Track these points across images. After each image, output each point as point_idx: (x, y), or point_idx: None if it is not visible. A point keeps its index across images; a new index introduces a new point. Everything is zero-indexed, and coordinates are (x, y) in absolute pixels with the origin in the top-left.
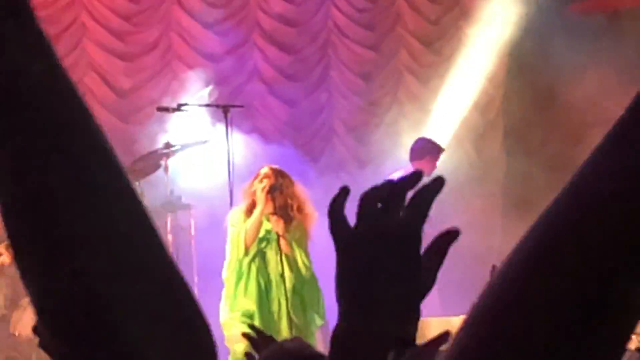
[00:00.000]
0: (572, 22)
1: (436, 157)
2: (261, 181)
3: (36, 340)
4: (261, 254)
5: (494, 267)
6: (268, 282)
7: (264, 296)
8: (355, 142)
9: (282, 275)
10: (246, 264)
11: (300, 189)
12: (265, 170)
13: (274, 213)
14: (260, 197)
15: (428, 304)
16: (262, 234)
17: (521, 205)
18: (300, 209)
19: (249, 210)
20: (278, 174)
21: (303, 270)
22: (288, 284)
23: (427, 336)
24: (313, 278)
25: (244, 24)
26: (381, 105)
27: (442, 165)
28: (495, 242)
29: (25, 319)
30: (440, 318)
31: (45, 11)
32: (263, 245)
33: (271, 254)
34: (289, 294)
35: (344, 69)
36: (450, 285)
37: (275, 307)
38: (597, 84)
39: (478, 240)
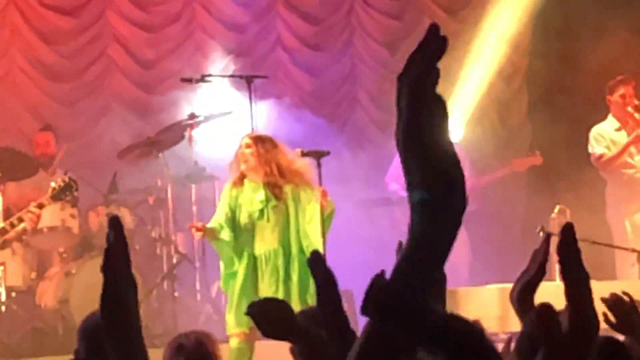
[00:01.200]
0: None
1: None
2: (243, 152)
3: (61, 310)
4: (251, 228)
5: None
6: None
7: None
8: (378, 110)
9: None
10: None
11: (283, 150)
12: (245, 140)
13: (268, 181)
14: (247, 167)
15: (457, 275)
16: (255, 206)
17: (546, 173)
18: (288, 170)
19: (239, 180)
20: (258, 140)
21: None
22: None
23: (458, 305)
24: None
25: None
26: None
27: (468, 135)
28: (520, 210)
29: (51, 291)
30: (468, 288)
31: None
32: (255, 217)
33: (265, 225)
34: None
35: (368, 39)
36: (479, 255)
37: (274, 277)
38: (619, 46)
39: (503, 208)
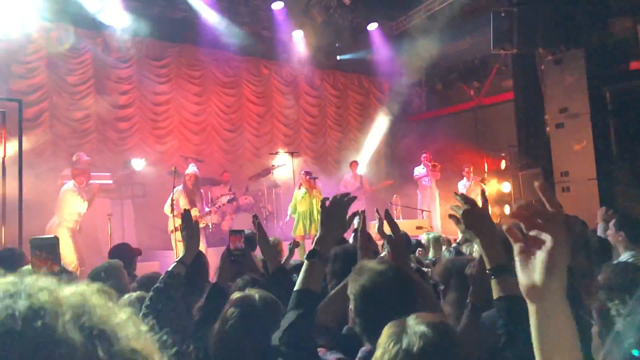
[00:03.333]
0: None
1: (355, 166)
2: (302, 176)
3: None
4: (301, 202)
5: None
6: (306, 211)
7: (304, 217)
8: (335, 163)
9: (314, 207)
10: (298, 205)
11: (316, 181)
12: (302, 174)
13: (310, 189)
14: (304, 184)
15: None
16: (300, 196)
17: (391, 186)
18: (314, 186)
19: (300, 186)
20: (308, 174)
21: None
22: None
23: None
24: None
25: (297, 144)
26: (345, 143)
27: (367, 169)
28: (382, 197)
29: (225, 222)
30: None
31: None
32: (303, 199)
33: (305, 201)
34: (317, 213)
35: (331, 138)
36: None
37: (310, 220)
38: (441, 146)
39: (375, 197)
